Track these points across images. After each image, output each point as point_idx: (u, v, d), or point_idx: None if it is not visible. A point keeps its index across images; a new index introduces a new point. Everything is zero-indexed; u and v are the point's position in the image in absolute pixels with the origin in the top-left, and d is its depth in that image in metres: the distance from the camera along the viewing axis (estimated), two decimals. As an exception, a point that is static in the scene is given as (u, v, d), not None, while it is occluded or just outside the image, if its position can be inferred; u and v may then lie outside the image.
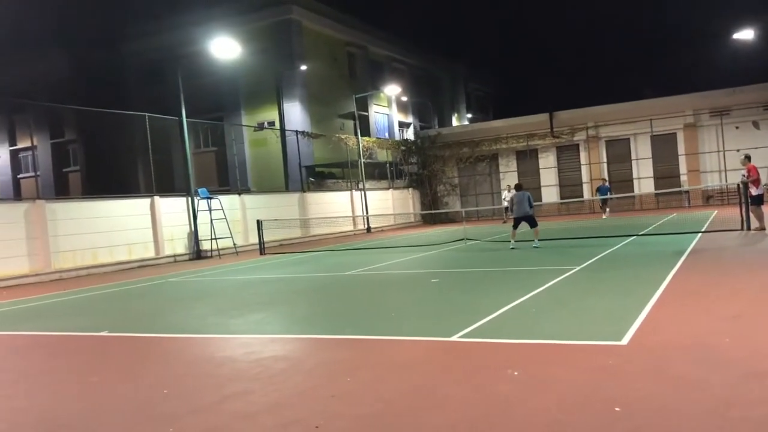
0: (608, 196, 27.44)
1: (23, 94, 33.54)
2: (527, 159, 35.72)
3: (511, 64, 64.93)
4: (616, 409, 4.08)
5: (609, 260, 12.09)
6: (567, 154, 35.04)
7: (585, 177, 34.20)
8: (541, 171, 35.28)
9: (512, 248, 15.70)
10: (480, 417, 4.17)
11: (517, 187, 17.23)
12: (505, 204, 28.55)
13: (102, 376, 6.17)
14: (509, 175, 36.13)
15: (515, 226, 16.44)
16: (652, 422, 3.85)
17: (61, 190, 38.94)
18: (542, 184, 35.02)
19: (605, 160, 33.88)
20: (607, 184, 29.10)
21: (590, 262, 11.82)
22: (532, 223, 16.19)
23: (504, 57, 67.53)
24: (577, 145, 34.58)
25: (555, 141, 34.87)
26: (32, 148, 38.59)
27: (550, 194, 34.62)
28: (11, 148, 43.19)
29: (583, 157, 34.34)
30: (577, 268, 11.04)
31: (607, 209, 27.90)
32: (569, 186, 34.59)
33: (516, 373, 5.03)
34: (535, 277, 10.38)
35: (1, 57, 38.65)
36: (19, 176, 42.97)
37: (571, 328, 6.59)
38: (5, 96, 35.96)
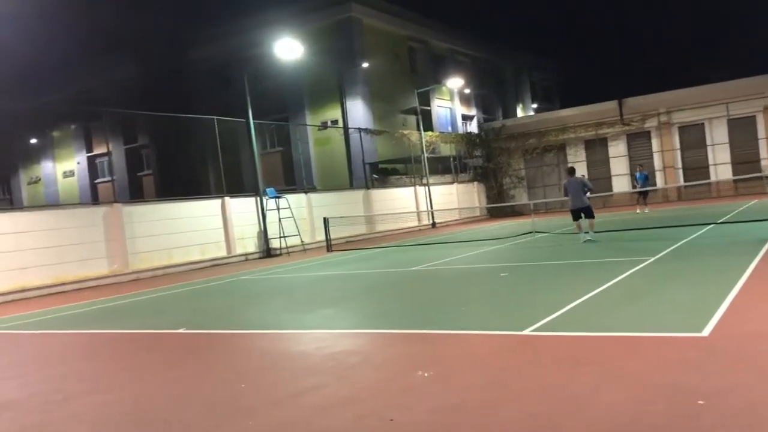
0: (648, 187, 23.69)
1: (98, 101, 35.06)
2: (596, 148, 34.85)
3: (577, 52, 63.52)
4: (700, 402, 3.93)
5: (686, 250, 11.67)
6: (638, 141, 33.99)
7: (657, 165, 33.07)
8: (611, 160, 34.34)
9: (585, 241, 14.70)
10: (558, 409, 4.10)
11: (571, 172, 15.87)
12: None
13: (182, 372, 6.38)
14: (578, 165, 35.28)
15: (575, 218, 15.23)
16: (738, 415, 3.70)
17: (136, 194, 40.45)
18: (612, 173, 34.09)
19: (678, 146, 32.69)
20: (645, 171, 25.31)
21: (666, 252, 11.44)
22: (589, 214, 14.99)
23: (569, 45, 66.13)
24: (649, 132, 33.48)
25: (625, 129, 33.87)
26: (107, 153, 40.19)
27: (621, 184, 33.64)
28: (88, 154, 45.16)
29: (655, 144, 33.23)
30: (653, 258, 10.71)
31: (646, 205, 25.06)
32: (640, 175, 33.52)
33: (587, 366, 4.92)
34: (608, 269, 10.12)
35: (76, 67, 40.47)
36: (96, 181, 44.89)
37: (648, 320, 6.40)
38: (82, 104, 37.65)
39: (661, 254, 11.15)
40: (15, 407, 5.61)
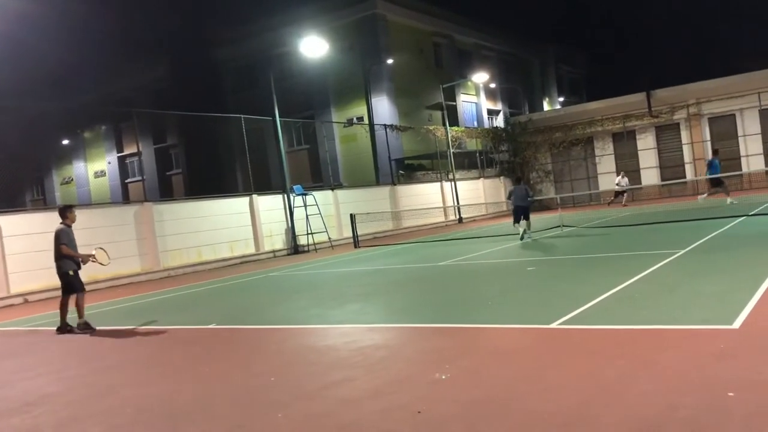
0: (718, 174, 21.63)
1: (127, 102, 35.62)
2: (624, 141, 34.45)
3: (604, 44, 62.73)
4: (730, 394, 3.91)
5: (717, 242, 11.51)
6: (667, 133, 33.51)
7: (687, 157, 32.58)
8: (639, 153, 33.91)
9: (524, 239, 16.38)
10: (588, 402, 4.11)
11: (517, 180, 18.25)
12: (617, 188, 27.94)
13: (213, 366, 6.50)
14: (606, 159, 35.02)
15: (516, 220, 16.99)
16: (770, 407, 3.67)
17: (165, 193, 41.00)
18: (641, 166, 33.68)
19: (709, 138, 32.16)
20: (716, 158, 22.54)
21: (697, 244, 11.30)
22: (527, 216, 16.82)
23: (596, 37, 65.33)
24: (678, 124, 33.00)
25: (653, 121, 33.42)
26: (137, 153, 40.74)
27: (650, 176, 33.21)
28: (119, 154, 45.88)
29: (685, 136, 32.73)
30: (683, 251, 10.59)
31: (714, 192, 22.37)
32: (671, 167, 33.06)
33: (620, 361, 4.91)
34: (638, 261, 10.03)
35: (106, 68, 41.10)
36: (126, 181, 45.59)
37: (678, 312, 6.35)
38: (111, 106, 38.24)
39: (692, 246, 11.02)
40: (53, 401, 5.77)
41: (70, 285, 9.67)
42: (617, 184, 28.25)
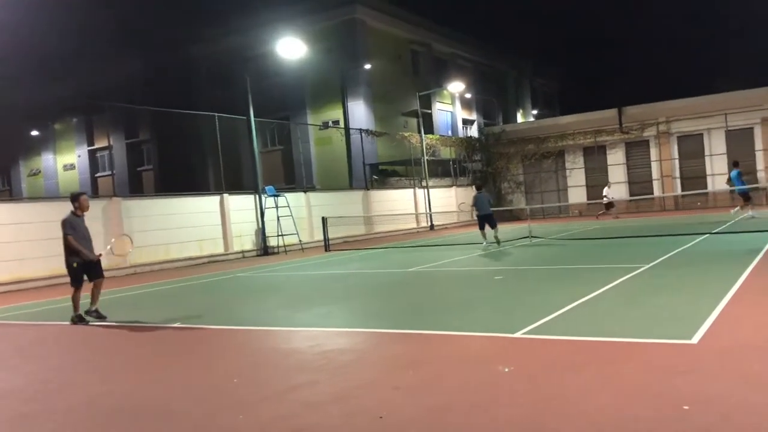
0: (744, 185, 20.99)
1: (100, 96, 35.11)
2: (594, 155, 34.94)
3: (578, 60, 63.65)
4: (685, 407, 4.00)
5: (680, 258, 11.74)
6: (636, 150, 34.09)
7: (655, 174, 33.18)
8: (609, 167, 34.42)
9: (488, 245, 17.09)
10: (547, 411, 4.16)
11: (479, 188, 18.60)
12: (605, 200, 27.97)
13: (175, 365, 6.44)
14: (576, 172, 35.48)
15: (481, 227, 17.66)
16: (722, 421, 3.76)
17: (135, 189, 40.51)
18: (610, 180, 34.13)
19: (677, 156, 32.80)
20: (736, 169, 21.49)
21: (660, 260, 11.51)
22: (492, 224, 17.44)
23: (571, 52, 66.24)
24: (648, 141, 33.59)
25: (624, 137, 33.98)
26: (109, 147, 40.26)
27: (618, 191, 33.72)
28: (89, 148, 45.22)
29: (654, 153, 33.34)
30: (647, 266, 10.78)
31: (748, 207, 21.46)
32: (639, 183, 33.63)
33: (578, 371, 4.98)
34: (602, 274, 10.18)
35: (80, 61, 40.53)
36: (96, 175, 44.94)
37: (639, 326, 6.46)
38: (84, 98, 37.69)
39: (656, 262, 11.22)
40: (12, 396, 5.67)
41: (72, 278, 9.30)
42: (605, 196, 28.23)
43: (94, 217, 18.47)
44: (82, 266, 9.24)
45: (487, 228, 17.62)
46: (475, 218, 18.51)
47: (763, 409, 3.92)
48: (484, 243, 17.41)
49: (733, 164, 22.43)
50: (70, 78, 40.72)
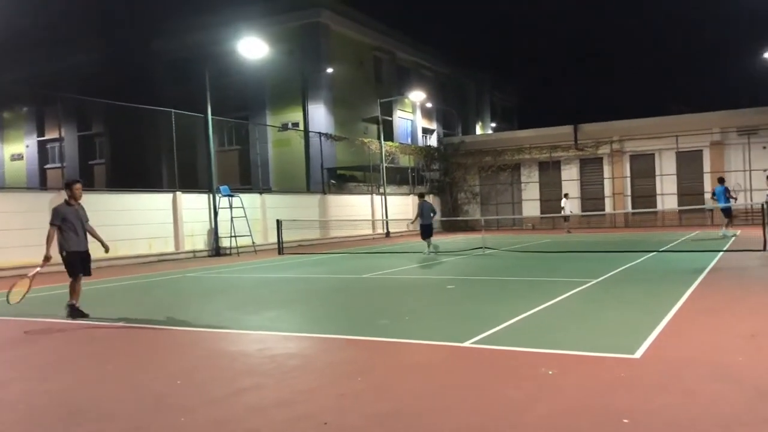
0: (728, 203, 20.72)
1: (53, 85, 34.13)
2: (549, 170, 35.58)
3: (537, 76, 64.75)
4: (625, 420, 4.07)
5: (627, 275, 12.01)
6: (590, 167, 34.84)
7: (608, 191, 33.95)
8: (563, 183, 35.07)
9: (430, 254, 17.78)
10: (490, 421, 4.19)
11: (421, 195, 19.37)
12: (564, 213, 28.10)
13: (117, 365, 6.28)
14: (531, 186, 36.03)
15: (424, 237, 18.45)
16: (660, 435, 3.85)
17: (86, 182, 39.24)
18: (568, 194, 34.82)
19: (629, 174, 33.64)
20: (720, 186, 21.27)
21: (608, 276, 11.75)
22: (430, 233, 18.39)
23: (530, 69, 67.29)
24: (601, 159, 34.36)
25: (579, 153, 34.69)
26: (60, 139, 39.09)
27: (571, 207, 34.38)
28: (39, 138, 43.91)
29: (607, 170, 34.11)
30: (594, 281, 10.99)
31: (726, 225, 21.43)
32: (591, 199, 34.36)
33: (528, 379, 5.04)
34: (551, 288, 10.34)
35: (34, 49, 39.38)
36: (45, 166, 43.65)
37: (585, 339, 6.58)
38: (35, 87, 36.62)
39: (604, 277, 11.45)
40: (-61, 392, 5.44)
41: (66, 267, 9.06)
42: (563, 208, 28.32)
43: (42, 210, 17.94)
44: (73, 255, 8.98)
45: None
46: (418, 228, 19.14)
47: (698, 422, 4.02)
48: (427, 251, 18.07)
49: (719, 180, 22.27)
50: (21, 65, 39.49)
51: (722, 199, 20.77)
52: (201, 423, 4.39)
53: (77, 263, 9.05)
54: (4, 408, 4.93)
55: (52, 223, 8.88)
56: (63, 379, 5.82)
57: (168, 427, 4.33)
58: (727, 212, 21.32)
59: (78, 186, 9.26)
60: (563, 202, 28.98)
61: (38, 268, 8.99)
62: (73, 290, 9.14)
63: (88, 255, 9.26)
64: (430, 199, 37.07)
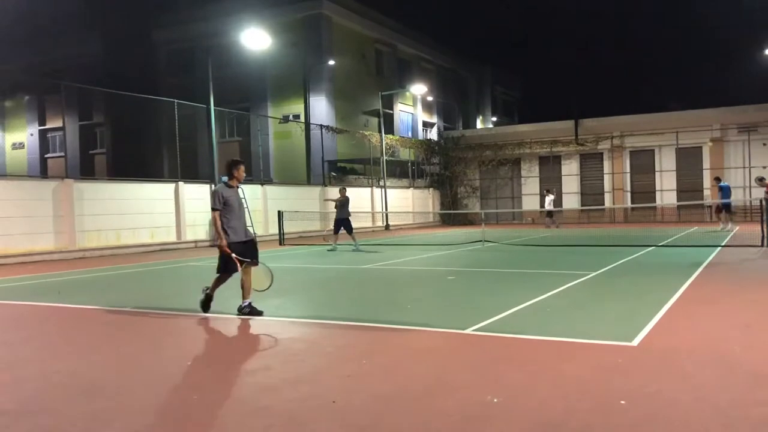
0: (730, 199, 21.11)
1: (55, 74, 34.17)
2: (550, 165, 35.70)
3: (539, 70, 64.75)
4: (622, 402, 4.23)
5: (626, 268, 12.16)
6: (590, 162, 34.96)
7: (607, 186, 34.09)
8: (563, 178, 35.21)
9: (331, 250, 17.97)
10: (492, 402, 4.34)
11: (342, 190, 18.78)
12: (548, 208, 28.16)
13: (129, 348, 6.43)
14: (531, 180, 36.15)
15: (336, 231, 18.18)
16: (655, 414, 4.00)
17: (87, 172, 39.48)
18: (564, 191, 34.95)
19: (629, 170, 33.77)
20: (724, 182, 21.75)
21: (607, 268, 11.91)
22: (349, 228, 18.03)
23: (532, 63, 67.30)
24: (601, 154, 34.49)
25: (579, 148, 34.80)
26: (61, 128, 39.10)
27: (571, 201, 34.57)
28: (41, 127, 43.96)
29: (607, 166, 34.24)
30: (594, 273, 11.14)
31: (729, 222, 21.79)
32: (591, 194, 34.50)
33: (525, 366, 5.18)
34: (551, 280, 10.48)
35: (36, 38, 39.39)
36: (46, 155, 43.72)
37: (584, 328, 6.73)
38: (38, 76, 36.63)
39: (602, 270, 11.60)
40: (-45, 370, 5.58)
41: (219, 260, 8.11)
42: (548, 204, 28.27)
43: (43, 198, 18.11)
44: (234, 246, 7.86)
45: (343, 232, 18.11)
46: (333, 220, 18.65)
47: (692, 405, 4.18)
48: (333, 245, 18.19)
49: (716, 180, 23.33)
50: (24, 54, 39.51)
51: (727, 194, 21.41)
52: (212, 401, 4.54)
53: (238, 254, 7.88)
54: (24, 384, 5.07)
55: (214, 208, 7.84)
56: (77, 360, 5.97)
57: (182, 405, 4.48)
58: (728, 207, 21.97)
59: (242, 167, 8.32)
60: (547, 200, 28.50)
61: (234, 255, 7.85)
62: (241, 287, 8.04)
63: (253, 241, 8.31)
64: (429, 192, 37.31)
